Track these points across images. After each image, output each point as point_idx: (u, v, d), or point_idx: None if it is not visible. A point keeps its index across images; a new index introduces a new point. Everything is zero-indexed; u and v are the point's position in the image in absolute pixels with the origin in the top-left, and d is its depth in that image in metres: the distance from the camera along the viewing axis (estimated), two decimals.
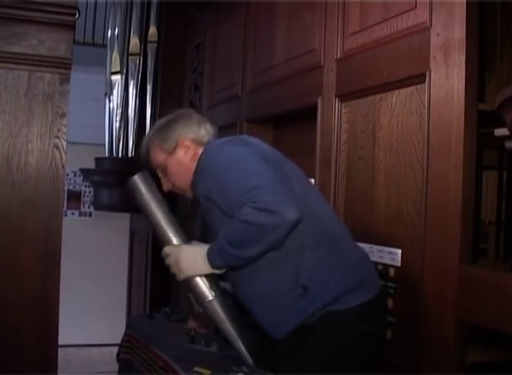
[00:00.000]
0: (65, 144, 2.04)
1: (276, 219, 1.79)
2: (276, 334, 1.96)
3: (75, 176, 5.84)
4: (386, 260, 2.28)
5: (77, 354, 5.60)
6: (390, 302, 2.25)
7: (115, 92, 4.84)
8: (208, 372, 2.44)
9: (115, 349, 3.66)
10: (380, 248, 2.30)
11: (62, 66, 2.03)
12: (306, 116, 2.96)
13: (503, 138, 1.67)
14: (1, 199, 1.99)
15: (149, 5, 4.81)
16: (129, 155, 4.82)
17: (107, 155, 4.94)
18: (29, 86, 2.00)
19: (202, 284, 2.04)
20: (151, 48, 4.78)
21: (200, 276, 2.04)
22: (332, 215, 2.11)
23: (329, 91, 2.71)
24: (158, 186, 2.19)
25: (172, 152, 2.14)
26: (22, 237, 2.02)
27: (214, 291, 2.03)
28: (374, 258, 2.32)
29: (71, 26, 2.03)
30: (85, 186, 5.93)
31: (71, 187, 5.93)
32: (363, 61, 2.48)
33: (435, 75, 2.08)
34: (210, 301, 2.03)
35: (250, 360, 2.02)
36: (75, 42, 2.13)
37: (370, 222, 2.40)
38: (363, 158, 2.47)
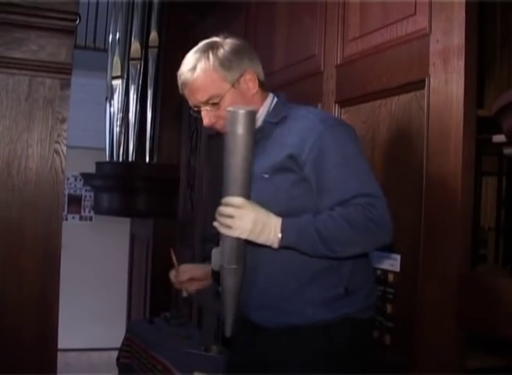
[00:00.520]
0: (65, 149, 2.05)
1: (387, 240, 1.76)
2: (288, 320, 1.86)
3: (75, 180, 5.84)
4: (385, 266, 2.29)
5: (77, 358, 5.59)
6: (389, 308, 2.25)
7: (115, 97, 4.86)
8: None
9: (115, 353, 3.67)
10: (379, 253, 2.30)
11: (62, 71, 2.04)
12: None
13: (501, 145, 1.68)
14: (1, 203, 2.00)
15: (150, 9, 4.83)
16: (130, 159, 4.83)
17: (107, 159, 4.95)
18: (29, 91, 2.01)
19: (238, 249, 1.81)
20: (152, 53, 4.80)
21: (245, 242, 1.79)
22: None
23: (329, 96, 2.72)
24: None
25: (235, 84, 1.89)
26: (22, 240, 2.02)
27: (243, 261, 1.90)
28: (373, 263, 2.32)
29: (72, 32, 2.05)
30: (85, 190, 5.93)
31: (71, 192, 5.93)
32: (363, 67, 2.49)
33: (435, 81, 2.09)
34: (233, 268, 1.89)
35: (228, 333, 1.94)
36: (76, 46, 2.14)
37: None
38: None
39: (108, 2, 5.60)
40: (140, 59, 4.79)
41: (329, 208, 1.75)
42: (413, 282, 2.15)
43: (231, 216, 1.72)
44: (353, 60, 2.57)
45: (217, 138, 2.23)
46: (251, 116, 1.71)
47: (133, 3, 4.84)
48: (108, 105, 4.95)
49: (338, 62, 2.68)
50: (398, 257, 2.23)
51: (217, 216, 1.76)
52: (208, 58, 1.87)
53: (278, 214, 1.75)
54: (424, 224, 2.10)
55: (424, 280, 2.09)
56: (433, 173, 2.08)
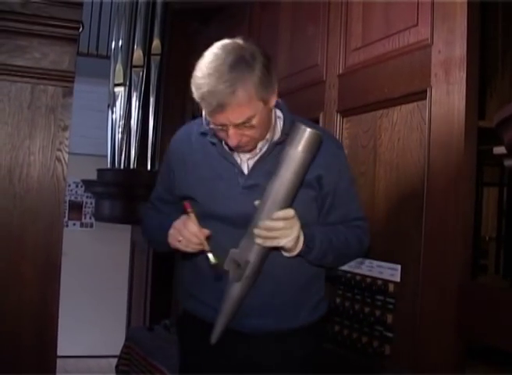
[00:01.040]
0: (66, 156, 2.05)
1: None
2: (286, 324, 1.96)
3: (77, 186, 5.84)
4: (386, 276, 2.28)
5: (76, 365, 5.58)
6: (389, 318, 2.25)
7: (118, 104, 4.86)
8: None
9: (115, 361, 3.67)
10: (380, 263, 2.30)
11: (65, 79, 2.04)
12: None
13: (501, 156, 1.68)
14: (2, 210, 2.00)
15: (153, 17, 4.84)
16: (132, 166, 4.83)
17: (109, 166, 4.95)
18: (32, 98, 2.02)
19: (263, 261, 1.85)
20: (155, 61, 4.81)
21: (271, 249, 1.83)
22: None
23: (331, 106, 2.72)
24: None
25: (267, 102, 1.78)
26: (22, 247, 2.02)
27: (258, 272, 1.89)
28: (373, 273, 2.32)
29: (74, 40, 2.05)
30: (87, 197, 5.93)
31: (72, 198, 5.93)
32: (365, 77, 2.50)
33: (436, 92, 2.09)
34: (249, 277, 1.85)
35: (214, 340, 1.92)
36: (79, 53, 2.14)
37: (370, 237, 2.40)
38: (363, 174, 2.47)
39: (111, 10, 5.63)
40: (143, 67, 4.79)
41: (332, 224, 1.95)
42: (413, 292, 2.14)
43: (281, 229, 1.75)
44: (356, 70, 2.57)
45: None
46: (316, 137, 1.73)
47: (136, 10, 4.85)
48: (110, 112, 4.95)
49: (340, 71, 2.69)
50: (398, 267, 2.23)
51: (263, 231, 1.76)
52: (250, 78, 1.71)
53: None
54: (425, 234, 2.10)
55: (425, 291, 2.09)
56: (434, 184, 2.08)
